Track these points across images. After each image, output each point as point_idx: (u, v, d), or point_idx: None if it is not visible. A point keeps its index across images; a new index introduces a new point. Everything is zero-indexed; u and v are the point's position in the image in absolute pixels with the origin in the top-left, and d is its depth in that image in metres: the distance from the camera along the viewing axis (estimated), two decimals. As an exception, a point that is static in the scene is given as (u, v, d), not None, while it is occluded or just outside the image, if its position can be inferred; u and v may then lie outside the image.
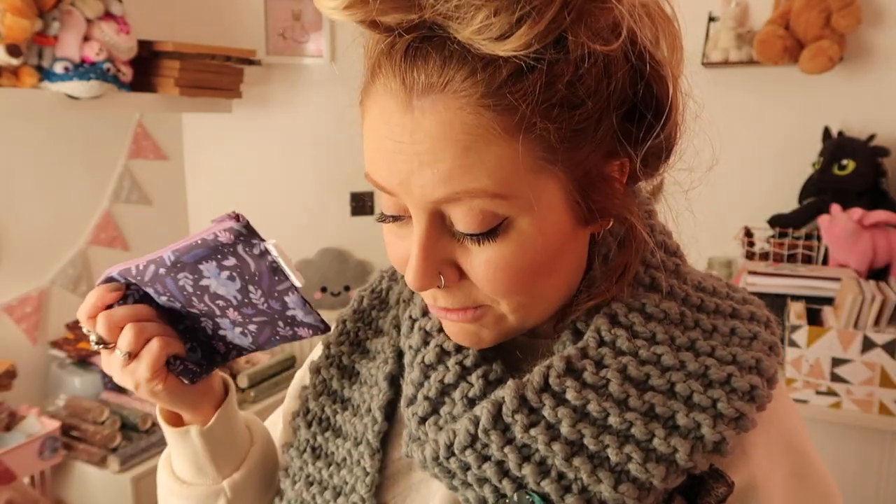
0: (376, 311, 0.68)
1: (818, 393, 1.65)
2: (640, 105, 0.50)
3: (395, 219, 0.53)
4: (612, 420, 0.50)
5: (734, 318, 0.57)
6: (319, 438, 0.65)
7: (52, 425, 1.75)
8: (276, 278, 0.53)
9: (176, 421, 0.65)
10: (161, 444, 1.85)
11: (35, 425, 1.74)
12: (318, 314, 0.55)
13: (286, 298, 0.54)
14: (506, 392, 0.52)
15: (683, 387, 0.51)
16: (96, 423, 1.81)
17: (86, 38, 1.82)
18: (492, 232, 0.49)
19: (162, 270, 0.55)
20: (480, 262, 0.50)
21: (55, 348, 2.02)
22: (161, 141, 2.36)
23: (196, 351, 0.61)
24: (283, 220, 2.57)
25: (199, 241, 0.52)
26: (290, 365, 2.34)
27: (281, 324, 0.57)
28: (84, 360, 2.00)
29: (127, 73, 1.94)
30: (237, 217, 0.51)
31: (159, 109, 2.11)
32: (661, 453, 0.49)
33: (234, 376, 2.19)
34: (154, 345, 0.57)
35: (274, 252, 0.51)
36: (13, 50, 1.65)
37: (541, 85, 0.45)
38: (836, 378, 1.63)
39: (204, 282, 0.55)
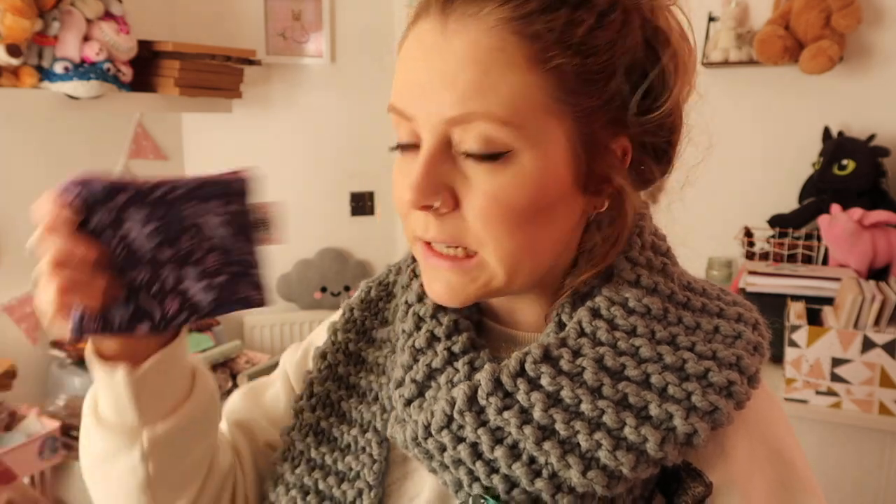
0: (383, 301, 0.69)
1: (818, 393, 1.64)
2: (649, 76, 0.54)
3: (408, 148, 0.55)
4: (584, 407, 0.51)
5: (720, 318, 0.58)
6: (324, 423, 0.66)
7: (52, 425, 1.74)
8: (258, 232, 0.59)
9: (109, 352, 0.58)
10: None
11: (35, 425, 1.73)
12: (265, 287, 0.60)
13: (256, 257, 0.59)
14: (482, 375, 0.53)
15: (658, 378, 0.52)
16: (96, 423, 1.81)
17: (86, 38, 1.81)
18: (494, 157, 0.51)
19: (179, 192, 0.55)
20: (478, 192, 0.51)
21: (55, 348, 2.02)
22: (161, 141, 2.36)
23: (128, 306, 0.55)
24: (283, 220, 2.57)
25: (214, 180, 0.56)
26: (290, 365, 2.34)
27: (244, 281, 0.58)
28: (84, 360, 2.00)
29: (127, 73, 1.94)
30: (245, 172, 0.57)
31: (159, 109, 2.11)
32: (631, 442, 0.50)
33: (234, 376, 2.19)
34: (52, 289, 0.51)
35: (271, 208, 0.58)
36: (13, 50, 1.65)
37: (563, 23, 0.50)
38: (836, 378, 1.63)
39: (202, 219, 0.56)
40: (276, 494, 0.65)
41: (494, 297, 0.57)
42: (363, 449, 0.62)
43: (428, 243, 0.56)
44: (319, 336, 0.73)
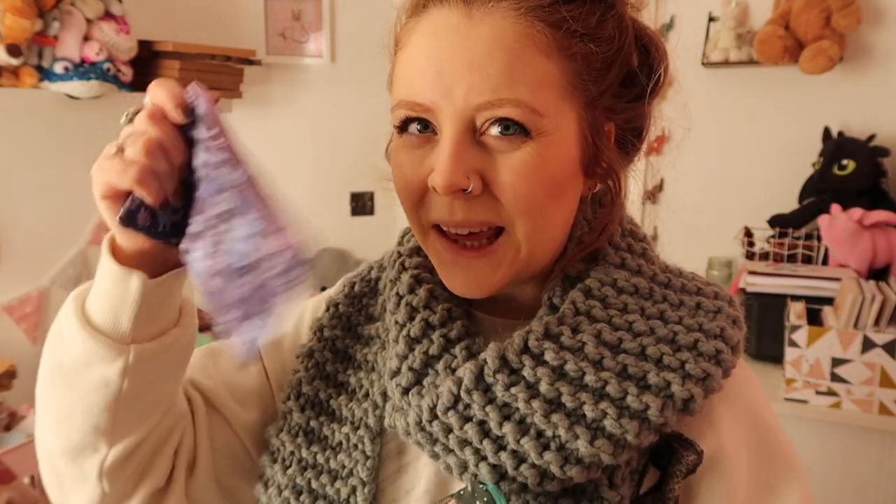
0: (367, 297, 0.70)
1: (818, 393, 1.65)
2: (639, 70, 0.58)
3: (423, 128, 0.55)
4: (588, 379, 0.53)
5: (699, 295, 0.62)
6: (314, 423, 0.65)
7: (52, 425, 1.74)
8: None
9: (122, 256, 0.55)
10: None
11: (35, 425, 1.73)
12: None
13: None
14: (487, 353, 0.55)
15: (654, 350, 0.55)
16: (96, 423, 1.81)
17: (86, 38, 1.81)
18: (519, 140, 0.53)
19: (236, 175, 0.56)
20: (506, 169, 0.54)
21: (55, 348, 2.02)
22: (161, 141, 2.36)
23: (175, 216, 0.54)
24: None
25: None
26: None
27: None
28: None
29: (127, 73, 1.94)
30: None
31: (159, 109, 2.11)
32: (634, 409, 0.52)
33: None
34: (132, 171, 0.49)
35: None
36: (13, 50, 1.65)
37: (581, 12, 0.54)
38: (836, 378, 1.63)
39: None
40: (268, 496, 0.65)
41: (514, 279, 0.59)
42: (355, 446, 0.63)
43: (447, 236, 0.57)
44: (289, 322, 0.72)
